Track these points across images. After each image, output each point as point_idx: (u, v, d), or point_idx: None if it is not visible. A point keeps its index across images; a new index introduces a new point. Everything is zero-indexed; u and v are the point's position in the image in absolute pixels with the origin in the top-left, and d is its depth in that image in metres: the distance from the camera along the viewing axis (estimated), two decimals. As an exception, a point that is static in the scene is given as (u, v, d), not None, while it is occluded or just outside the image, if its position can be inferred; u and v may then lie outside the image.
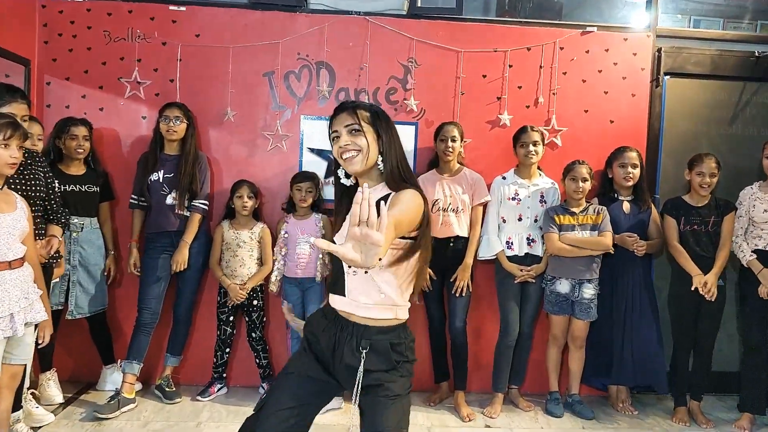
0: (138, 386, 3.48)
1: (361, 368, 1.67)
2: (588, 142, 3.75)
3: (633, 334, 3.46)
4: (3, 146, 2.21)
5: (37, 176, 2.67)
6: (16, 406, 2.70)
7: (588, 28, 3.75)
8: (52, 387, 3.31)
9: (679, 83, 3.85)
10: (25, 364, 2.52)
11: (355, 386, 1.67)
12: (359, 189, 1.25)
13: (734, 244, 3.37)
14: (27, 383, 3.01)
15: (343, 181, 1.85)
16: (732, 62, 3.85)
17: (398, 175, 1.74)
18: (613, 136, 3.72)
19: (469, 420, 3.32)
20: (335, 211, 1.93)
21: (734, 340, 3.78)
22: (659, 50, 3.80)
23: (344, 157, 1.74)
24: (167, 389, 3.44)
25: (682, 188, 3.63)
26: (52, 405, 3.22)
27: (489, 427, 3.26)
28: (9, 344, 2.35)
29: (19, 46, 3.42)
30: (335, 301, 1.79)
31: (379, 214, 1.25)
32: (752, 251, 3.28)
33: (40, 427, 2.91)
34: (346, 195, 1.87)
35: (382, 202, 1.46)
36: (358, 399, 1.69)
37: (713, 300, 3.30)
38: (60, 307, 3.28)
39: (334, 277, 1.84)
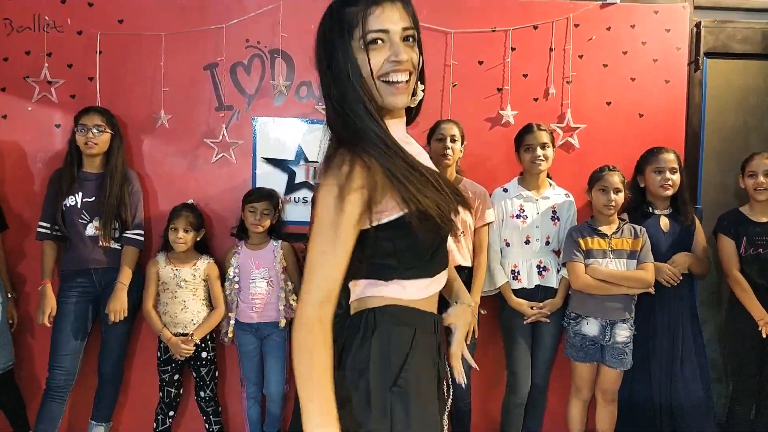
0: (55, 462, 2.79)
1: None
2: (612, 141, 3.02)
3: (676, 383, 2.74)
4: None
5: None
6: None
7: (609, 0, 3.02)
8: (-59, 471, 2.62)
9: (723, 65, 3.13)
10: None
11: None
12: None
13: (804, 269, 2.63)
14: None
15: None
16: (789, 37, 3.11)
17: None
18: (644, 134, 3.00)
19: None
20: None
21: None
22: (698, 25, 3.06)
23: (394, 79, 1.17)
24: (90, 467, 2.74)
25: (731, 197, 2.90)
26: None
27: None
28: None
29: None
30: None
31: None
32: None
33: None
34: None
35: None
36: None
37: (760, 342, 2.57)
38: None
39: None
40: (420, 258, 1.22)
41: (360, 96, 1.16)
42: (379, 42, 1.15)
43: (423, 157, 1.29)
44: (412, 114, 1.35)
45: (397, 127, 1.26)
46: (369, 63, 1.15)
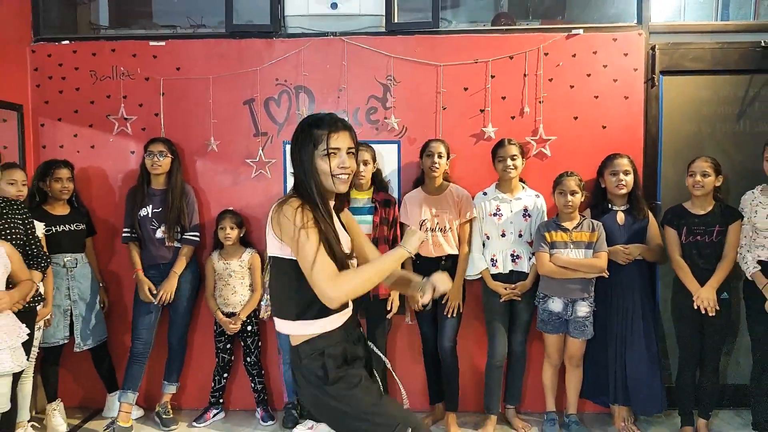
0: (139, 413, 3.62)
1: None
2: (579, 150, 3.59)
3: (627, 353, 3.31)
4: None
5: (15, 223, 2.79)
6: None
7: (573, 31, 3.58)
8: (57, 417, 3.46)
9: (677, 81, 3.63)
10: (7, 410, 2.63)
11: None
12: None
13: (738, 255, 3.15)
14: (26, 417, 3.19)
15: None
16: (735, 54, 3.59)
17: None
18: (607, 143, 3.55)
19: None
20: None
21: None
22: (653, 48, 3.58)
23: (341, 175, 1.87)
24: (164, 416, 3.54)
25: (687, 195, 3.40)
26: (56, 435, 3.38)
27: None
28: None
29: (12, 92, 3.59)
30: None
31: None
32: (756, 262, 3.07)
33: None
34: None
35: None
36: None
37: (714, 315, 3.10)
38: (65, 341, 3.42)
39: None
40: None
41: (317, 183, 1.85)
42: (333, 154, 1.85)
43: (338, 225, 1.98)
44: (341, 197, 2.01)
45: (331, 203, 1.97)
46: (330, 165, 1.84)
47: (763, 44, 3.56)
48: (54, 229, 3.33)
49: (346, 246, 1.93)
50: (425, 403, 3.61)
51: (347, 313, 1.97)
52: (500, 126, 3.60)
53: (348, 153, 1.88)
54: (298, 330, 1.89)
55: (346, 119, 3.46)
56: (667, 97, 3.64)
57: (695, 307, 3.13)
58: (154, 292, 3.45)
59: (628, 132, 3.59)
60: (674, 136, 3.65)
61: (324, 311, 1.85)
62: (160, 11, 4.50)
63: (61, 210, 3.42)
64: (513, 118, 3.62)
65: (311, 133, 1.86)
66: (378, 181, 3.48)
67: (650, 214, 3.40)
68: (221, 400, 3.66)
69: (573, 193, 3.25)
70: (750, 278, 3.08)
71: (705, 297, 3.09)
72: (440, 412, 3.56)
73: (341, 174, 1.86)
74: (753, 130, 3.61)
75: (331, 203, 1.97)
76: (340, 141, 1.86)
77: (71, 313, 3.42)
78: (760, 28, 3.62)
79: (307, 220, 1.78)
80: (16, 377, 2.75)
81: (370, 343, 2.09)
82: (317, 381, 1.85)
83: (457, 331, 3.38)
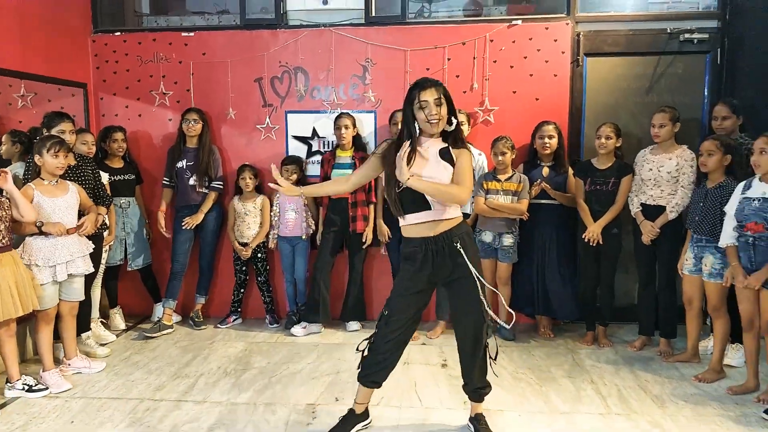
0: (177, 318, 4.78)
1: (463, 251, 2.67)
2: (517, 118, 4.52)
3: (547, 274, 4.31)
4: (54, 156, 3.41)
5: (86, 173, 3.88)
6: (86, 329, 4.02)
7: (513, 22, 4.49)
8: (117, 318, 4.65)
9: (598, 62, 4.52)
10: (78, 301, 3.75)
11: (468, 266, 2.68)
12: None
13: (628, 199, 4.08)
14: (96, 314, 4.36)
15: (415, 132, 2.66)
16: (646, 39, 4.45)
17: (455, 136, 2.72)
18: (539, 112, 4.46)
19: (414, 341, 4.29)
20: (398, 151, 2.65)
21: (649, 278, 4.49)
22: (578, 35, 4.47)
23: (432, 122, 2.59)
24: (196, 320, 4.70)
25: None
26: (117, 330, 4.57)
27: (424, 344, 4.26)
28: (63, 287, 3.59)
29: (79, 73, 4.70)
30: (421, 217, 2.67)
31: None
32: (639, 204, 4.00)
33: (105, 343, 4.23)
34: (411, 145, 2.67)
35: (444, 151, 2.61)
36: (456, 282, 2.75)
37: (597, 245, 4.06)
38: (121, 262, 4.58)
39: (411, 205, 2.67)
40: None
41: (411, 126, 2.63)
42: (424, 104, 2.59)
43: (419, 161, 2.65)
44: (451, 135, 2.69)
45: (432, 141, 2.67)
46: (423, 113, 2.60)
47: (669, 31, 4.41)
48: (114, 178, 4.45)
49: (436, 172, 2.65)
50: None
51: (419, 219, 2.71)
52: (455, 99, 4.50)
53: (436, 103, 2.57)
54: None
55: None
56: (589, 74, 4.53)
57: (585, 239, 4.10)
58: (163, 228, 4.60)
59: (557, 103, 4.51)
60: (595, 107, 4.55)
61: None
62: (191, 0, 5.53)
63: (117, 164, 4.53)
64: (465, 92, 4.57)
65: (411, 93, 2.62)
66: (357, 143, 4.49)
67: (570, 170, 4.34)
68: (239, 309, 4.81)
69: (503, 153, 4.20)
70: (633, 216, 4.03)
71: (592, 231, 4.05)
72: (405, 321, 4.62)
73: (431, 118, 2.57)
74: (660, 101, 4.46)
75: (433, 141, 2.68)
76: (427, 95, 2.57)
77: (125, 241, 4.57)
78: (666, 17, 4.47)
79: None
80: (89, 280, 3.87)
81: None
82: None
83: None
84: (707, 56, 4.44)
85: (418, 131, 2.66)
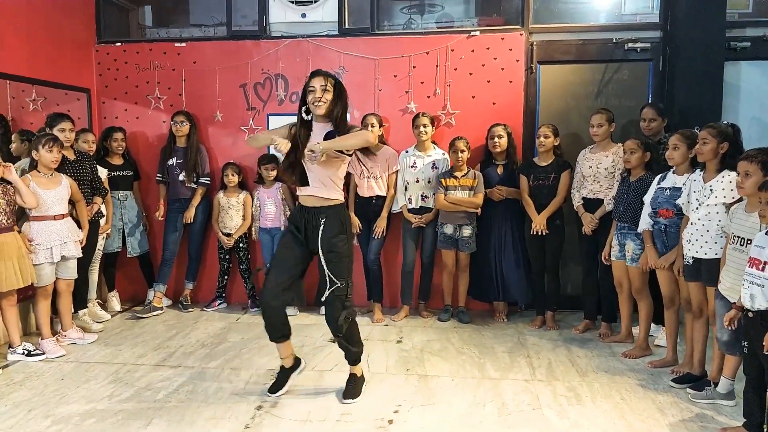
0: (168, 302, 5.26)
1: (321, 228, 3.07)
2: (475, 121, 4.93)
3: (502, 264, 4.70)
4: (48, 151, 3.91)
5: (84, 167, 4.39)
6: (83, 306, 4.52)
7: (472, 33, 4.92)
8: (114, 300, 5.15)
9: (550, 69, 4.93)
10: (73, 279, 4.23)
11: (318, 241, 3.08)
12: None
13: (571, 194, 4.47)
14: (94, 296, 4.86)
15: (304, 116, 3.14)
16: (594, 48, 4.85)
17: (340, 121, 3.11)
18: (496, 116, 4.86)
19: (378, 322, 4.76)
20: (294, 130, 3.16)
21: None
22: (532, 44, 4.88)
23: (316, 104, 3.04)
24: (185, 303, 5.17)
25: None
26: (113, 312, 5.06)
27: (387, 325, 4.68)
28: (59, 267, 4.07)
29: (83, 79, 5.23)
30: (303, 191, 3.15)
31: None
32: (581, 198, 4.39)
33: (100, 321, 4.71)
34: (303, 125, 3.16)
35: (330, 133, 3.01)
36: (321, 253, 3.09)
37: (542, 235, 4.45)
38: (118, 250, 5.07)
39: (302, 179, 3.15)
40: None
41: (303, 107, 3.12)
42: (311, 90, 3.06)
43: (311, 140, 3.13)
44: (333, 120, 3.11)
45: (320, 124, 3.12)
46: (310, 95, 3.05)
47: (615, 41, 4.81)
48: (114, 174, 4.96)
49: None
50: (363, 299, 5.09)
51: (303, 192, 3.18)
52: (419, 103, 4.99)
53: (322, 89, 3.01)
54: None
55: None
56: (543, 80, 4.94)
57: (531, 231, 4.49)
58: (161, 216, 5.10)
59: (512, 107, 4.92)
60: (548, 110, 4.96)
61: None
62: (191, 11, 6.06)
63: (118, 161, 5.04)
64: (429, 97, 5.01)
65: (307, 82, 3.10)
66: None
67: (521, 168, 4.74)
68: (224, 295, 5.27)
69: (461, 151, 4.62)
70: (575, 209, 4.42)
71: (537, 222, 4.45)
72: (373, 305, 5.05)
73: (315, 101, 3.03)
74: (607, 105, 4.82)
75: (321, 124, 3.12)
76: (314, 82, 3.04)
77: (123, 231, 5.06)
78: (613, 28, 4.87)
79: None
80: (84, 261, 4.34)
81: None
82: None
83: (381, 248, 4.84)
84: (650, 63, 4.82)
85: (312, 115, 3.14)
